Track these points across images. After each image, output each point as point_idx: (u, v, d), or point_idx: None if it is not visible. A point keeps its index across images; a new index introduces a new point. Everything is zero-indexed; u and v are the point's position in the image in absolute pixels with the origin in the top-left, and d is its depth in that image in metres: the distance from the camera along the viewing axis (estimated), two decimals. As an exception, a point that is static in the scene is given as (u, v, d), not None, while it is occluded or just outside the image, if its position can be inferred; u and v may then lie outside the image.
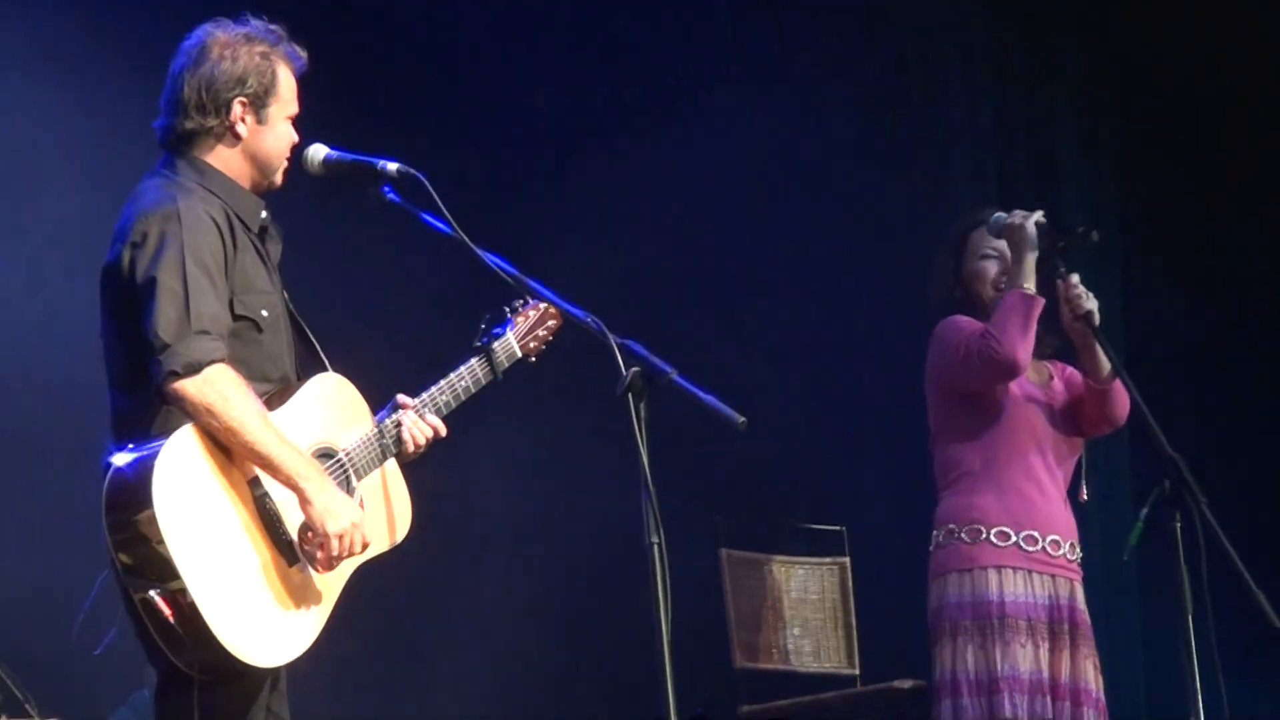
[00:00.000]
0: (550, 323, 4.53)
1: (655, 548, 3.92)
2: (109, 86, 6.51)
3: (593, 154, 7.41)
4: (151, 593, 3.80)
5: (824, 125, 7.52)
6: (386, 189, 4.22)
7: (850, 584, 6.86)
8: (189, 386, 3.88)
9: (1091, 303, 5.21)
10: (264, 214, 4.20)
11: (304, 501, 3.96)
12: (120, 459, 3.88)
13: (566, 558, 7.27)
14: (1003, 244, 5.32)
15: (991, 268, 5.36)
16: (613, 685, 6.81)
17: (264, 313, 4.09)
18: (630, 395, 3.96)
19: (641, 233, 7.47)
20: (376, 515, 4.17)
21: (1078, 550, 5.32)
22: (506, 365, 4.44)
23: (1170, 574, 4.81)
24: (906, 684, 6.19)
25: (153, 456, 3.83)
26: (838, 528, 6.89)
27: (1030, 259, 5.23)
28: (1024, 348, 5.19)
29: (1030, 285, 5.22)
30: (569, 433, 7.25)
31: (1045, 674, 5.17)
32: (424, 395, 4.30)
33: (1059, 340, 5.43)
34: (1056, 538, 5.28)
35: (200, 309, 3.92)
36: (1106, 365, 5.29)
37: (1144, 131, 7.76)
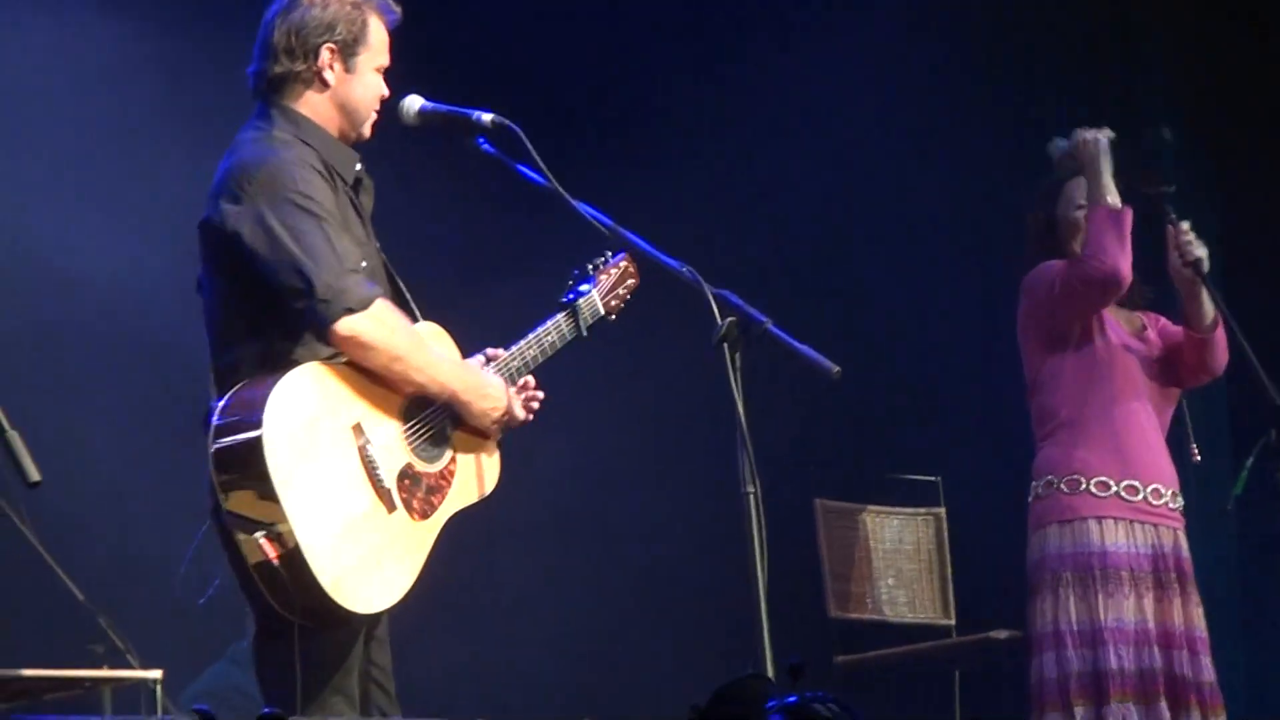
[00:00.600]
0: (630, 281, 4.54)
1: (751, 497, 3.92)
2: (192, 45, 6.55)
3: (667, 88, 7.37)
4: (257, 534, 3.83)
5: (915, 87, 7.47)
6: (481, 140, 4.23)
7: (945, 534, 6.82)
8: (363, 322, 3.94)
9: (1201, 249, 5.17)
10: (358, 166, 4.21)
11: (464, 408, 4.09)
12: (230, 399, 3.91)
13: (661, 508, 7.27)
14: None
15: (1084, 219, 5.27)
16: (708, 634, 6.81)
17: (363, 264, 4.11)
18: (725, 345, 3.95)
19: (734, 182, 7.45)
20: (468, 467, 4.19)
21: (1179, 499, 5.25)
22: (591, 322, 4.45)
23: (1273, 523, 4.78)
24: (1002, 634, 6.16)
25: (263, 399, 3.86)
26: (933, 478, 6.85)
27: (1107, 174, 5.16)
28: (1125, 260, 5.11)
29: (1114, 199, 5.15)
30: (660, 383, 7.24)
31: (1152, 624, 5.12)
32: (512, 349, 4.31)
33: (1153, 291, 5.38)
34: (1158, 486, 5.21)
35: (344, 249, 3.98)
36: (1210, 314, 5.23)
37: (1243, 106, 7.66)
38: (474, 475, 4.20)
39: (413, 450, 4.07)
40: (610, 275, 4.52)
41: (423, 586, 4.01)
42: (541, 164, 4.11)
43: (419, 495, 4.06)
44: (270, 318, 3.99)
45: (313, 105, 4.17)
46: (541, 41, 7.37)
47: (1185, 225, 5.18)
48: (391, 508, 4.00)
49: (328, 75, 4.16)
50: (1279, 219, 7.55)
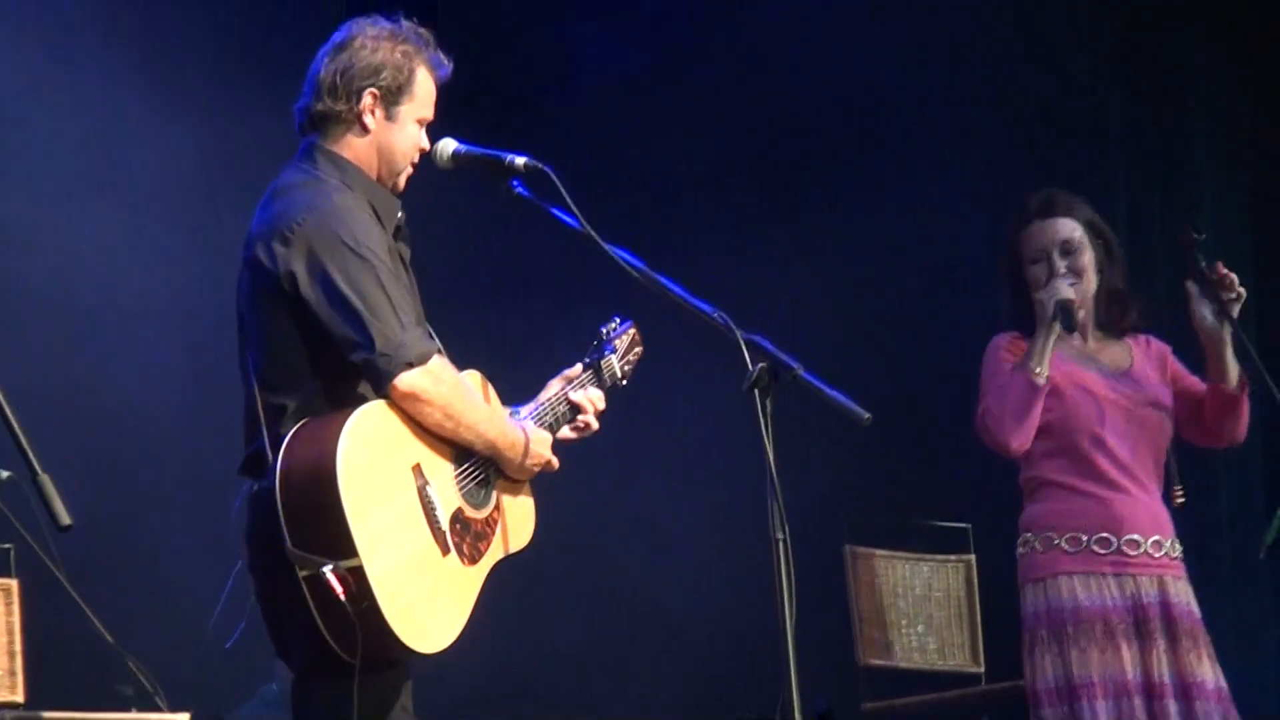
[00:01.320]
0: (637, 349, 4.62)
1: (780, 543, 3.90)
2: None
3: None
4: (325, 570, 3.80)
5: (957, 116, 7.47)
6: (515, 183, 4.23)
7: (975, 581, 6.79)
8: (423, 379, 3.95)
9: (1240, 289, 5.15)
10: (400, 214, 4.22)
11: (509, 468, 4.14)
12: (296, 436, 3.90)
13: (692, 553, 7.26)
14: (1051, 245, 5.21)
15: (1041, 273, 5.23)
16: (738, 680, 6.79)
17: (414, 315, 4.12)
18: (756, 390, 3.94)
19: (770, 223, 7.44)
20: (510, 516, 4.21)
21: (1167, 545, 5.16)
22: (609, 385, 4.50)
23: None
24: None
25: (336, 433, 3.85)
26: (963, 525, 6.84)
27: (1047, 341, 5.11)
28: (1020, 435, 5.13)
29: (1040, 370, 5.09)
30: (692, 429, 7.24)
31: (1133, 675, 5.05)
32: (553, 395, 4.37)
33: (1140, 309, 5.32)
34: (1134, 536, 5.13)
35: (402, 304, 3.99)
36: (1235, 372, 5.17)
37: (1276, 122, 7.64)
38: (515, 524, 4.22)
39: (462, 495, 4.09)
40: (623, 342, 4.59)
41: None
42: (574, 206, 4.10)
43: (468, 540, 4.07)
44: (325, 361, 4.00)
45: (354, 149, 4.18)
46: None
47: (1220, 265, 5.12)
48: (445, 551, 4.01)
49: (368, 120, 4.17)
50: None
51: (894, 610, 6.66)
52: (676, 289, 4.14)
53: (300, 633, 3.93)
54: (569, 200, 4.10)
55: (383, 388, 3.96)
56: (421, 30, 4.24)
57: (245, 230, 4.11)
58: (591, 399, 4.39)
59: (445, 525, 4.01)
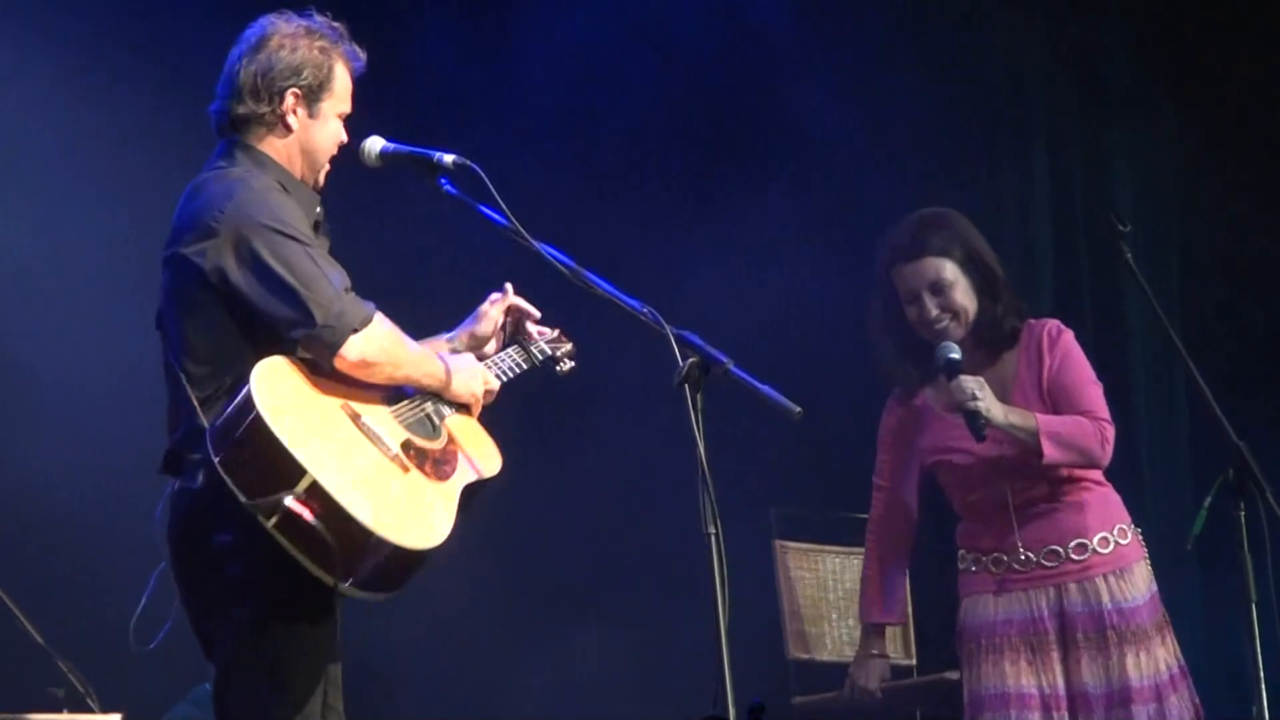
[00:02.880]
0: (566, 346, 4.64)
1: (713, 538, 3.92)
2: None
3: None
4: (286, 500, 3.77)
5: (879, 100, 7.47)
6: (443, 181, 4.23)
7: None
8: (368, 344, 3.95)
9: (973, 403, 5.04)
10: (319, 209, 4.21)
11: (454, 395, 4.17)
12: (220, 413, 3.90)
13: (622, 547, 7.26)
14: (920, 287, 5.18)
15: (914, 314, 5.21)
16: (666, 674, 6.79)
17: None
18: (687, 385, 3.95)
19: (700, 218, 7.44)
20: (468, 448, 4.19)
21: (1063, 552, 5.14)
22: (540, 358, 4.53)
23: (1234, 562, 4.78)
24: (956, 674, 6.12)
25: (246, 392, 3.84)
26: None
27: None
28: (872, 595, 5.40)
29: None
30: (623, 422, 7.24)
31: (1036, 689, 5.09)
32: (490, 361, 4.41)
33: (1019, 317, 5.24)
34: (1026, 553, 5.15)
35: (335, 276, 3.98)
36: (1027, 440, 5.10)
37: (1200, 109, 7.67)
38: (478, 453, 4.20)
39: (407, 429, 4.08)
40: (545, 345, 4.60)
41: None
42: (503, 204, 4.11)
43: (429, 464, 4.06)
44: (257, 347, 3.97)
45: (275, 147, 4.18)
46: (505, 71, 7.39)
47: (965, 380, 5.06)
48: (406, 469, 4.00)
49: (291, 120, 4.17)
50: (1235, 247, 7.57)
51: (823, 604, 6.66)
52: (605, 286, 4.15)
53: (227, 629, 3.94)
54: (497, 198, 4.11)
55: (329, 359, 3.95)
56: (335, 24, 4.24)
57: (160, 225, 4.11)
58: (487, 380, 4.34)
59: (397, 450, 4.00)
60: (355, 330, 3.94)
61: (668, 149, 7.57)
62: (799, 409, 4.01)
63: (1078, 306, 7.51)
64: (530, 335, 4.55)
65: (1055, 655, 5.11)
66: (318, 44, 4.18)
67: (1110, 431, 5.15)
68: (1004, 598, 5.18)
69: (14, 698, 5.62)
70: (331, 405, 3.97)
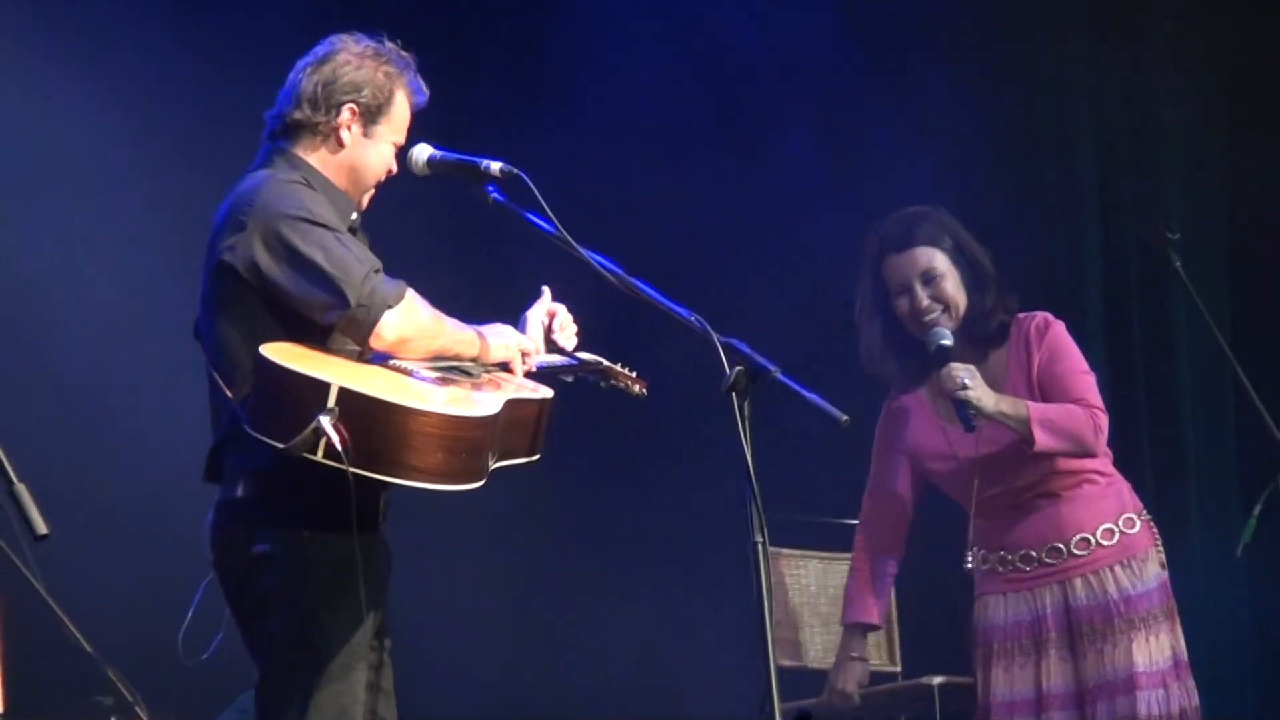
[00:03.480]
0: (636, 388, 4.60)
1: (759, 546, 3.92)
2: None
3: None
4: (322, 421, 3.75)
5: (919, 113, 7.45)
6: (491, 188, 4.24)
7: None
8: (403, 322, 3.94)
9: (963, 392, 5.03)
10: (355, 215, 4.22)
11: (487, 358, 4.14)
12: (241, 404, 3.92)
13: (658, 554, 7.24)
14: (911, 277, 5.19)
15: (904, 306, 5.21)
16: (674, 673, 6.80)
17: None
18: (734, 393, 3.95)
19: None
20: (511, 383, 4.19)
21: (1065, 549, 5.15)
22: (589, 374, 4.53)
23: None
24: (936, 679, 6.05)
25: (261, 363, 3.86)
26: (853, 522, 6.59)
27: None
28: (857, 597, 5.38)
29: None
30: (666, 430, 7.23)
31: (1039, 690, 5.10)
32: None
33: (1010, 310, 5.24)
34: (1027, 550, 5.17)
35: (364, 258, 3.97)
36: (1020, 431, 5.09)
37: (1249, 113, 7.63)
38: (523, 386, 4.19)
39: (442, 372, 4.07)
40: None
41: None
42: (549, 211, 4.12)
43: (469, 383, 4.07)
44: (292, 340, 3.98)
45: (322, 160, 4.19)
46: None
47: (948, 370, 5.06)
48: (444, 384, 4.00)
49: (344, 134, 4.18)
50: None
51: (806, 610, 6.53)
52: (653, 293, 4.15)
53: (269, 635, 3.98)
54: (545, 205, 4.11)
55: (366, 339, 3.94)
56: (404, 53, 4.26)
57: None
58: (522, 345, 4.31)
59: (431, 378, 4.00)
60: (389, 307, 3.93)
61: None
62: (846, 417, 4.01)
63: (1126, 314, 7.48)
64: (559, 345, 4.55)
65: (1063, 654, 5.11)
66: (384, 68, 4.20)
67: (1103, 419, 5.12)
68: (1011, 598, 5.18)
69: (62, 706, 5.64)
70: (350, 360, 3.99)
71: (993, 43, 7.43)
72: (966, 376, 5.01)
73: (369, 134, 4.20)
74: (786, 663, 6.46)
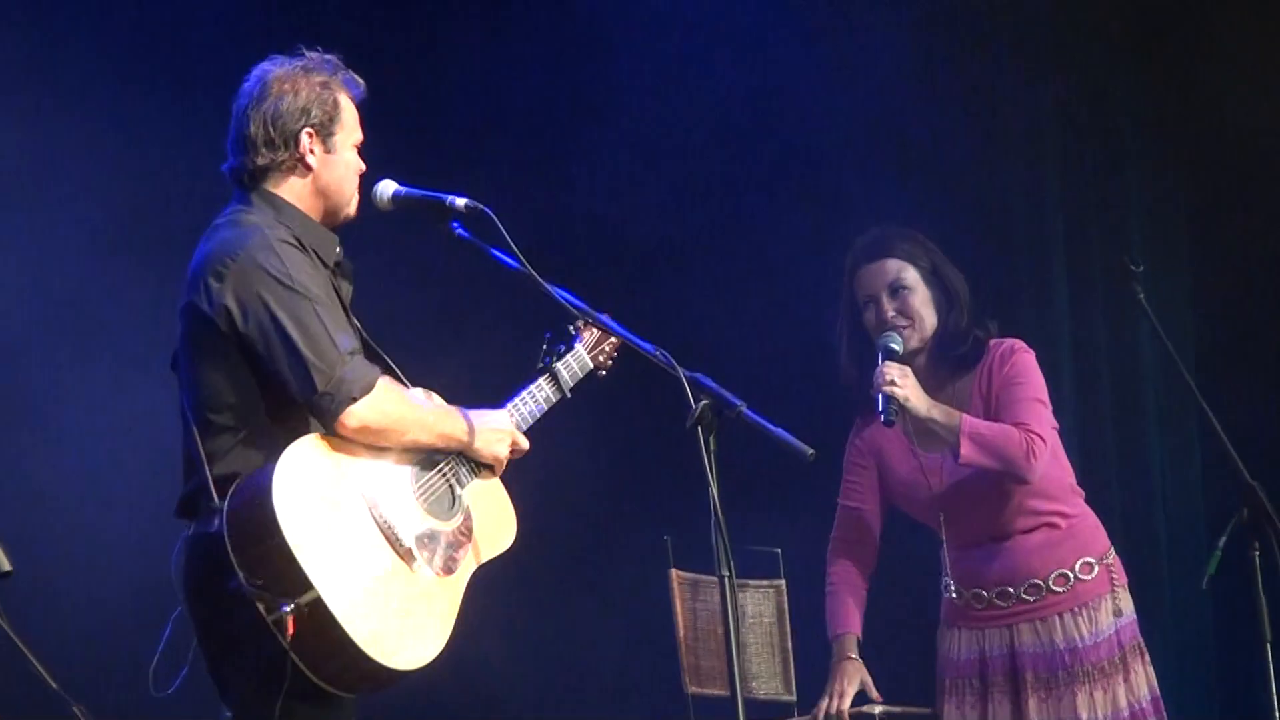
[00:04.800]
0: (612, 338, 4.56)
1: (725, 580, 3.92)
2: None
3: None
4: (285, 609, 3.80)
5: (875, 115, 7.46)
6: (455, 224, 4.24)
7: (786, 607, 6.54)
8: (369, 411, 3.95)
9: (893, 389, 5.00)
10: (338, 250, 4.22)
11: (478, 455, 4.15)
12: (236, 489, 3.90)
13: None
14: (879, 288, 5.16)
15: (871, 318, 5.19)
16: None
17: (354, 346, 4.11)
18: (700, 427, 3.95)
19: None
20: (485, 522, 4.22)
21: (1015, 592, 5.11)
22: (572, 383, 4.49)
23: (1249, 603, 4.77)
24: (877, 709, 5.90)
25: (270, 471, 3.86)
26: (774, 550, 6.53)
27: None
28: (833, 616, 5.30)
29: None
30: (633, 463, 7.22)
31: None
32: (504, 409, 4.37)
33: (983, 338, 5.21)
34: (979, 590, 5.15)
35: (338, 334, 3.98)
36: (948, 441, 5.07)
37: (1213, 148, 7.65)
38: (493, 528, 4.23)
39: (426, 509, 4.09)
40: (593, 332, 4.56)
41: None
42: (514, 247, 4.12)
43: (440, 552, 4.08)
44: (263, 396, 4.00)
45: (295, 191, 4.19)
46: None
47: (889, 365, 5.04)
48: (413, 569, 4.01)
49: (310, 160, 4.18)
50: (1248, 287, 7.55)
51: (717, 637, 6.39)
52: (617, 328, 4.17)
53: (240, 671, 3.95)
54: (509, 241, 4.12)
55: (331, 426, 3.96)
56: (328, 56, 4.26)
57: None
58: (515, 440, 4.32)
59: (410, 543, 4.02)
60: (354, 399, 3.93)
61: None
62: (812, 451, 4.02)
63: (1093, 346, 7.50)
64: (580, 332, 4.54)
65: (1006, 699, 5.08)
66: (317, 80, 4.20)
67: (1039, 446, 5.03)
68: (964, 634, 5.16)
69: (28, 742, 5.61)
70: (350, 493, 3.98)
71: (959, 74, 7.45)
72: (897, 374, 4.99)
73: (330, 148, 4.20)
74: (698, 690, 6.35)
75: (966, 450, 4.98)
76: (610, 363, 4.60)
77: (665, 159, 7.48)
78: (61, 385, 6.61)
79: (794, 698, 6.51)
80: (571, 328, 4.53)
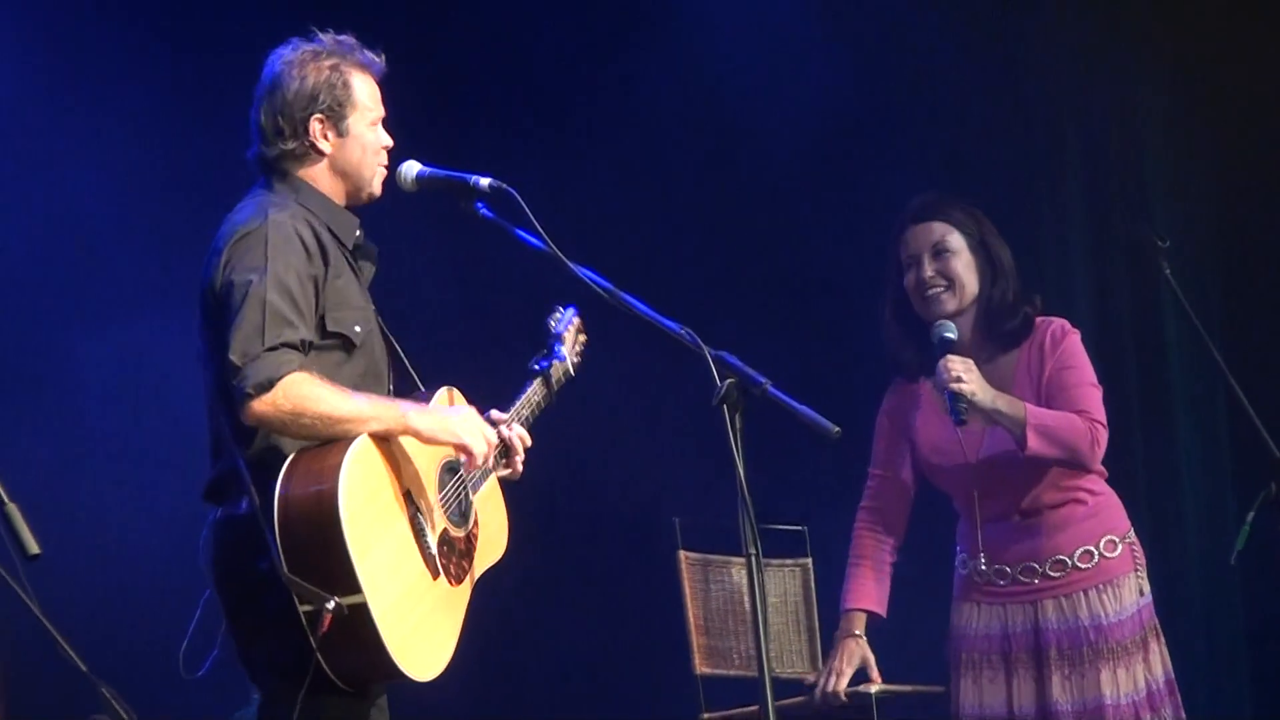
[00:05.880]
0: (582, 337, 4.63)
1: (753, 558, 3.92)
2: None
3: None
4: (327, 605, 3.80)
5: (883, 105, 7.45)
6: (480, 204, 4.24)
7: (813, 586, 6.53)
8: (265, 405, 3.89)
9: (959, 385, 4.98)
10: (358, 232, 4.22)
11: (418, 434, 4.02)
12: (293, 471, 3.90)
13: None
14: (922, 249, 5.13)
15: (912, 279, 5.15)
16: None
17: (357, 328, 4.11)
18: (725, 406, 3.95)
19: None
20: (486, 529, 4.24)
21: (1040, 568, 5.09)
22: (558, 388, 4.52)
23: (1277, 577, 4.76)
24: (872, 688, 5.89)
25: (334, 471, 3.86)
26: (799, 527, 6.53)
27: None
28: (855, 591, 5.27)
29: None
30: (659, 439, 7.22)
31: (1011, 710, 5.06)
32: (509, 413, 4.36)
33: (1029, 315, 5.17)
34: (1003, 566, 5.11)
35: (275, 327, 3.93)
36: (1014, 433, 5.02)
37: (1239, 119, 7.61)
38: (492, 537, 4.26)
39: (446, 516, 4.11)
40: (570, 334, 4.59)
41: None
42: (539, 227, 4.12)
43: (454, 560, 4.11)
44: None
45: (314, 174, 4.20)
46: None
47: (944, 361, 5.00)
48: (435, 574, 4.05)
49: (322, 145, 4.18)
50: (1276, 261, 7.52)
51: (731, 617, 6.42)
52: (643, 308, 4.15)
53: (268, 656, 3.97)
54: (534, 221, 4.11)
55: (240, 415, 3.93)
56: (341, 37, 4.24)
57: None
58: (520, 437, 4.32)
59: (434, 549, 4.05)
60: (249, 394, 3.88)
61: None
62: (837, 429, 4.02)
63: (1117, 321, 7.48)
64: (563, 337, 4.55)
65: (1029, 674, 5.06)
66: (326, 63, 4.19)
67: (1102, 434, 5.04)
68: (984, 609, 5.14)
69: (58, 726, 5.64)
70: (395, 496, 4.00)
71: (979, 49, 7.43)
72: (962, 369, 4.97)
73: (342, 131, 4.19)
74: (710, 671, 6.35)
75: (1034, 443, 4.96)
76: (579, 362, 4.60)
77: (686, 138, 7.48)
78: (87, 364, 6.63)
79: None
80: (553, 323, 4.57)
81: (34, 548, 3.51)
